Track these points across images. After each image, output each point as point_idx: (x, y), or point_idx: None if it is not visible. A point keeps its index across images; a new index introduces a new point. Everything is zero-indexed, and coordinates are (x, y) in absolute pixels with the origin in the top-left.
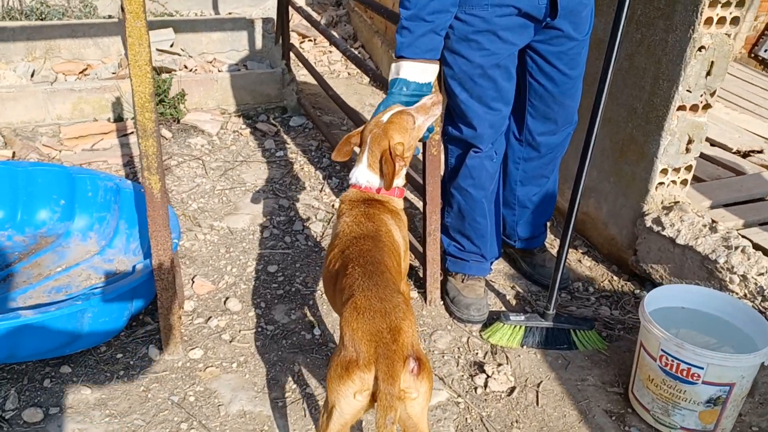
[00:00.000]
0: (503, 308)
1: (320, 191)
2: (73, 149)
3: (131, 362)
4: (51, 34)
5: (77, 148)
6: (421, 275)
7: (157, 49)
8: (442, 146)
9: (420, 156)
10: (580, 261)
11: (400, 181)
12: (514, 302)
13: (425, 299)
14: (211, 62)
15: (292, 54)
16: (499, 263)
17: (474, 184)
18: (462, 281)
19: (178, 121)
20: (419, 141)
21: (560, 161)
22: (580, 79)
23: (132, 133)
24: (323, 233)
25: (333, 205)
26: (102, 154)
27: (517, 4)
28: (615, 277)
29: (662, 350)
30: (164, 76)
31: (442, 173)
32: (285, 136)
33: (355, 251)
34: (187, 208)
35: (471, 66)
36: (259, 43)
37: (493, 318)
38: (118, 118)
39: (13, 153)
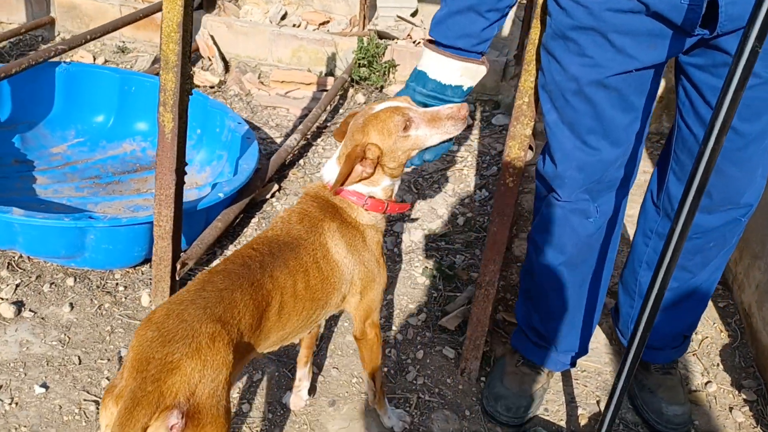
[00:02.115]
0: (563, 423)
1: (458, 198)
2: (270, 91)
3: (123, 299)
4: None
5: (273, 91)
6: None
7: (397, 16)
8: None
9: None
10: (731, 409)
11: (376, 190)
12: (583, 422)
13: (457, 366)
14: None
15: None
16: (608, 359)
17: (551, 242)
18: (516, 364)
19: (381, 90)
20: (412, 158)
21: (728, 255)
22: (763, 139)
23: (329, 89)
24: (409, 247)
25: (456, 219)
26: (290, 102)
27: None
28: None
29: None
30: (381, 41)
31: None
32: (473, 132)
33: (242, 255)
34: (305, 181)
35: (564, 76)
36: (506, 29)
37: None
38: (329, 73)
39: (221, 81)
